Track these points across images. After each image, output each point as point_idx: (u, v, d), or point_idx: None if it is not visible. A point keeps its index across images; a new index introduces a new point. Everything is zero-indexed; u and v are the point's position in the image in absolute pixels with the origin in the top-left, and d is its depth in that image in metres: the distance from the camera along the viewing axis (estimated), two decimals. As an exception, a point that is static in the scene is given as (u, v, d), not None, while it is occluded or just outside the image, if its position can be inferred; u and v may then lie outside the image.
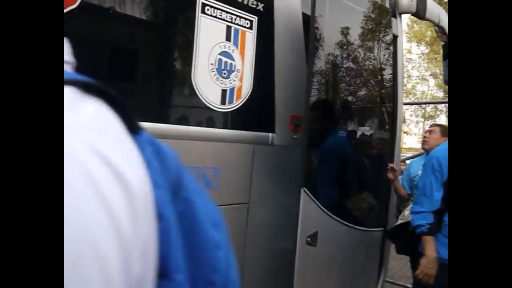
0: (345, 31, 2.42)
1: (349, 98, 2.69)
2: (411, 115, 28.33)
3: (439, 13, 3.18)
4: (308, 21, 2.22)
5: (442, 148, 2.33)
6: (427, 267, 2.22)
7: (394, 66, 2.94)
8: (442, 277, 2.17)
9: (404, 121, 28.68)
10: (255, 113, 2.20)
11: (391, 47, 2.85)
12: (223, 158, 2.06)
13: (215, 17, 1.95)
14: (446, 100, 20.27)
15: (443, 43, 3.41)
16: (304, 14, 2.34)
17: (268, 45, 2.21)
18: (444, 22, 3.25)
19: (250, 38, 2.11)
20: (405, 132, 31.37)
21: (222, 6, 1.97)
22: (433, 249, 2.22)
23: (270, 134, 2.24)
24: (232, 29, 2.03)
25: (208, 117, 2.01)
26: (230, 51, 2.03)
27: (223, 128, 2.08)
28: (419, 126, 30.34)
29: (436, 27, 3.30)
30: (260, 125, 2.22)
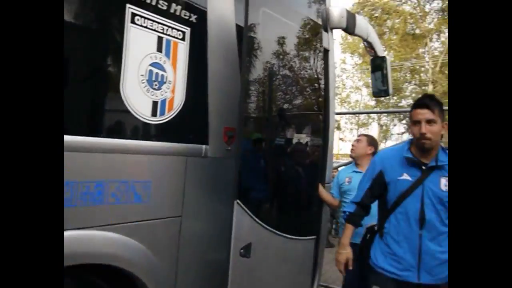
0: (278, 44, 2.47)
1: (282, 108, 2.74)
2: (345, 123, 29.60)
3: (367, 29, 3.35)
4: (242, 33, 2.24)
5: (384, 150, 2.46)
6: (337, 252, 2.32)
7: (326, 78, 3.05)
8: (365, 279, 2.26)
9: (339, 128, 29.92)
10: (188, 124, 2.17)
11: (322, 60, 2.95)
12: (155, 171, 2.01)
13: (146, 27, 1.91)
14: (378, 110, 21.03)
15: (371, 57, 3.60)
16: (237, 26, 2.35)
17: (202, 56, 2.20)
18: (372, 37, 3.43)
19: (183, 49, 2.09)
20: (340, 139, 32.72)
21: (153, 16, 1.93)
22: (346, 236, 2.30)
23: (204, 146, 2.23)
24: (164, 40, 1.99)
25: (138, 130, 1.95)
26: (161, 62, 1.99)
27: (155, 140, 2.03)
28: (353, 133, 31.75)
29: (365, 42, 3.47)
30: (193, 137, 2.20)
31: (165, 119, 2.04)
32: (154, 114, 1.98)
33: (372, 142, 3.16)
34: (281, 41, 2.48)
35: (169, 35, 2.01)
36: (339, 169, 4.67)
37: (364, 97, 29.68)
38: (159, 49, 1.97)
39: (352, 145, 3.30)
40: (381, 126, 30.02)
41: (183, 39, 2.09)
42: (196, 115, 2.22)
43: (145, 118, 1.95)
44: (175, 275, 2.12)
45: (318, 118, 3.04)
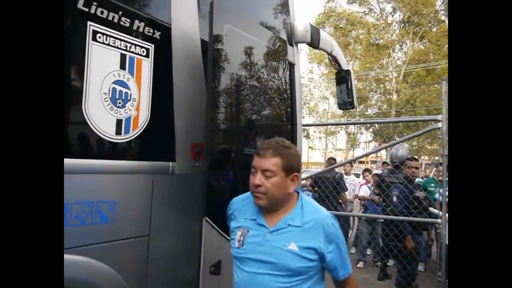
0: (243, 60, 2.48)
1: (249, 123, 2.75)
2: (314, 132, 30.08)
3: (331, 43, 3.42)
4: (207, 49, 2.24)
5: None
6: None
7: (292, 90, 3.08)
8: None
9: (309, 137, 30.35)
10: (153, 142, 2.14)
11: (288, 74, 2.99)
12: (120, 190, 1.97)
13: (108, 44, 1.88)
14: (344, 121, 21.42)
15: (335, 70, 3.67)
16: (202, 42, 2.35)
17: (167, 72, 2.18)
18: (336, 51, 3.51)
19: (147, 66, 2.06)
20: (310, 147, 33.15)
21: (115, 33, 1.91)
22: None
23: (171, 163, 2.20)
24: (127, 57, 1.97)
25: (102, 149, 1.91)
26: (125, 80, 1.96)
27: (119, 159, 1.99)
28: (322, 141, 32.26)
29: (329, 56, 3.55)
30: (159, 155, 2.17)
31: (130, 137, 2.00)
32: (118, 132, 1.94)
33: None
34: (246, 57, 2.49)
35: (132, 52, 1.99)
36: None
37: (331, 106, 30.27)
38: (123, 67, 1.95)
39: None
40: (349, 134, 30.64)
41: (147, 56, 2.07)
42: (162, 132, 2.19)
43: (109, 137, 1.91)
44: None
45: (286, 130, 3.07)
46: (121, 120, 1.95)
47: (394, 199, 4.36)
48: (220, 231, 2.19)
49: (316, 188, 6.69)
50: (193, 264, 2.14)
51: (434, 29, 25.93)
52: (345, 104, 3.73)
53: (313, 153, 35.04)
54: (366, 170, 8.42)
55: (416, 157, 5.67)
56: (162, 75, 2.14)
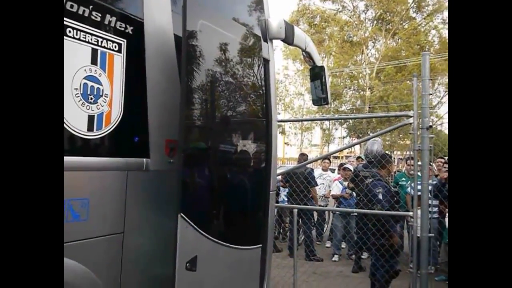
0: (217, 55, 2.47)
1: (224, 119, 2.74)
2: (290, 127, 30.28)
3: (306, 40, 3.45)
4: (180, 45, 2.22)
5: None
6: None
7: (267, 87, 3.09)
8: None
9: (284, 133, 30.50)
10: (127, 138, 2.12)
11: (263, 70, 2.99)
12: (93, 188, 1.94)
13: (79, 39, 1.84)
14: (319, 117, 21.58)
15: (310, 67, 3.71)
16: (176, 37, 2.33)
17: (139, 68, 2.15)
18: (310, 47, 3.54)
19: (119, 61, 2.04)
20: (285, 143, 33.34)
21: (86, 28, 1.87)
22: None
23: (145, 159, 2.18)
24: (99, 52, 1.93)
25: (74, 145, 1.87)
26: (96, 75, 1.93)
27: (92, 156, 1.95)
28: (297, 137, 32.50)
29: (303, 52, 3.57)
30: (133, 151, 2.14)
31: (103, 133, 1.97)
32: (90, 128, 1.91)
33: None
34: (220, 53, 2.49)
35: (104, 47, 1.96)
36: None
37: (306, 102, 30.50)
38: (94, 62, 1.91)
39: None
40: (323, 130, 30.98)
41: (119, 51, 2.04)
42: (136, 128, 2.17)
43: (81, 133, 1.87)
44: (119, 293, 2.05)
45: (261, 127, 3.08)
46: (93, 116, 1.92)
47: (380, 196, 4.44)
48: (195, 227, 2.19)
49: (287, 184, 6.78)
50: (168, 260, 2.13)
51: (406, 26, 26.45)
52: (320, 100, 3.76)
53: (289, 148, 35.26)
54: (341, 165, 8.52)
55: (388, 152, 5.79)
56: (135, 71, 2.12)
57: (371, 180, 4.59)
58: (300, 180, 5.82)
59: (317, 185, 7.12)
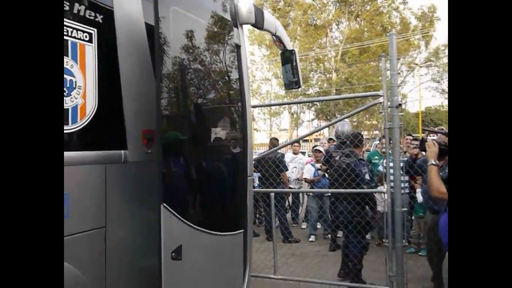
0: (190, 42, 2.44)
1: (200, 106, 2.72)
2: (258, 113, 30.33)
3: (275, 24, 3.44)
4: (152, 33, 2.18)
5: None
6: None
7: (240, 72, 3.08)
8: None
9: (254, 119, 30.54)
10: (103, 131, 2.07)
11: (235, 55, 2.98)
12: (72, 183, 1.89)
13: (47, 30, 1.77)
14: (288, 101, 21.65)
15: (280, 51, 3.71)
16: (147, 25, 2.28)
17: (112, 58, 2.10)
18: (280, 31, 3.54)
19: (91, 52, 1.98)
20: (255, 129, 33.44)
21: (54, 18, 1.80)
22: None
23: (122, 151, 2.14)
24: (69, 42, 1.87)
25: (49, 140, 1.82)
26: (68, 67, 1.86)
27: (68, 150, 1.90)
28: (266, 122, 32.64)
29: (273, 37, 3.57)
30: (110, 143, 2.10)
31: (78, 126, 1.92)
32: (65, 122, 1.85)
33: None
34: (193, 39, 2.45)
35: (74, 37, 1.89)
36: None
37: (274, 87, 30.62)
38: (65, 53, 1.85)
39: None
40: (292, 114, 31.23)
41: (90, 41, 1.98)
42: (111, 120, 2.12)
43: (55, 128, 1.82)
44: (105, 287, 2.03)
45: (236, 112, 3.08)
46: (67, 109, 1.86)
47: (367, 176, 4.56)
48: (178, 216, 2.18)
49: (259, 169, 6.81)
50: (153, 251, 2.12)
51: (368, 8, 26.81)
52: (291, 83, 3.78)
53: (259, 134, 35.38)
54: (314, 147, 8.64)
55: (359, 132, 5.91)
56: (107, 61, 2.06)
57: (353, 160, 4.67)
58: (270, 165, 5.87)
59: (287, 169, 7.21)
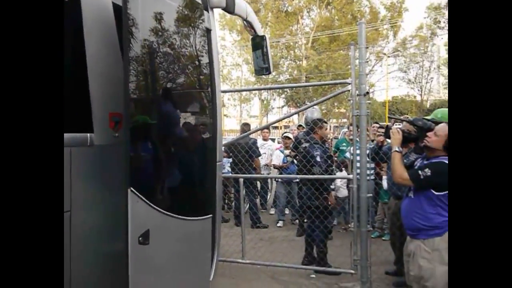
0: (159, 24, 2.39)
1: (168, 89, 2.68)
2: (229, 99, 30.19)
3: (247, 9, 3.42)
4: (120, 13, 2.12)
5: None
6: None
7: (210, 56, 3.05)
8: None
9: (224, 105, 30.39)
10: (68, 113, 2.00)
11: (205, 39, 2.94)
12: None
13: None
14: (259, 86, 21.61)
15: (251, 36, 3.70)
16: (114, 5, 2.22)
17: (77, 38, 2.03)
18: (251, 17, 3.52)
19: (55, 30, 1.90)
20: (225, 115, 33.31)
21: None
22: None
23: (89, 134, 2.09)
24: (31, 20, 1.79)
25: (11, 122, 1.75)
26: (31, 46, 1.79)
27: (31, 132, 1.84)
28: (236, 109, 32.55)
29: (244, 22, 3.55)
30: (75, 126, 2.04)
31: (42, 108, 1.86)
32: (28, 103, 1.79)
33: None
34: (162, 22, 2.40)
35: (37, 15, 1.82)
36: None
37: (244, 73, 30.49)
38: (27, 31, 1.77)
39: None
40: (262, 101, 31.26)
41: (54, 19, 1.90)
42: (77, 102, 2.06)
43: (17, 109, 1.75)
44: (69, 273, 2.00)
45: (205, 97, 3.05)
46: (30, 90, 1.79)
47: (318, 158, 4.61)
48: (146, 200, 2.16)
49: (231, 154, 6.82)
50: (120, 236, 2.10)
51: (339, -4, 26.97)
52: (262, 70, 3.78)
53: (229, 120, 35.26)
54: (283, 134, 8.69)
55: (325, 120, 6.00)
56: (73, 41, 1.99)
57: (308, 144, 4.77)
58: (245, 150, 5.89)
59: (260, 155, 7.24)
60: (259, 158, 7.28)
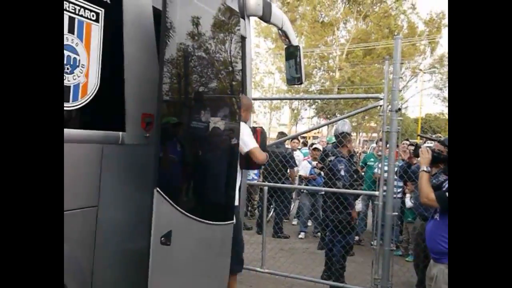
0: (196, 30, 2.44)
1: (201, 94, 2.73)
2: (259, 106, 30.25)
3: (282, 18, 3.45)
4: (159, 17, 2.18)
5: None
6: None
7: (243, 64, 3.09)
8: None
9: (253, 112, 30.51)
10: (103, 111, 2.08)
11: (239, 47, 2.98)
12: (68, 160, 1.90)
13: (55, 6, 1.77)
14: (290, 96, 21.60)
15: (285, 46, 3.72)
16: (154, 10, 2.28)
17: (117, 39, 2.10)
18: (287, 26, 3.54)
19: (97, 31, 1.98)
20: (254, 122, 33.40)
21: (63, -5, 1.80)
22: None
23: (121, 133, 2.15)
24: (76, 20, 1.87)
25: (49, 116, 1.82)
26: (73, 45, 1.86)
27: (67, 127, 1.91)
28: (266, 116, 32.59)
29: (279, 31, 3.57)
30: (109, 124, 2.11)
31: (79, 105, 1.93)
32: (66, 99, 1.86)
33: None
34: (199, 27, 2.45)
35: (81, 15, 1.89)
36: None
37: (276, 81, 30.51)
38: (71, 30, 1.85)
39: None
40: (292, 110, 31.19)
41: (96, 20, 1.97)
42: (112, 101, 2.13)
43: (55, 104, 1.82)
44: (92, 266, 2.05)
45: (236, 103, 3.08)
46: (69, 86, 1.86)
47: (342, 172, 4.56)
48: (171, 201, 2.20)
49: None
50: (143, 234, 2.14)
51: (377, 9, 26.71)
52: (294, 79, 3.79)
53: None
54: (311, 145, 8.63)
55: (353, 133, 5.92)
56: (112, 42, 2.07)
57: (334, 157, 4.72)
58: (279, 159, 5.86)
59: (296, 166, 7.15)
60: (294, 169, 7.20)
